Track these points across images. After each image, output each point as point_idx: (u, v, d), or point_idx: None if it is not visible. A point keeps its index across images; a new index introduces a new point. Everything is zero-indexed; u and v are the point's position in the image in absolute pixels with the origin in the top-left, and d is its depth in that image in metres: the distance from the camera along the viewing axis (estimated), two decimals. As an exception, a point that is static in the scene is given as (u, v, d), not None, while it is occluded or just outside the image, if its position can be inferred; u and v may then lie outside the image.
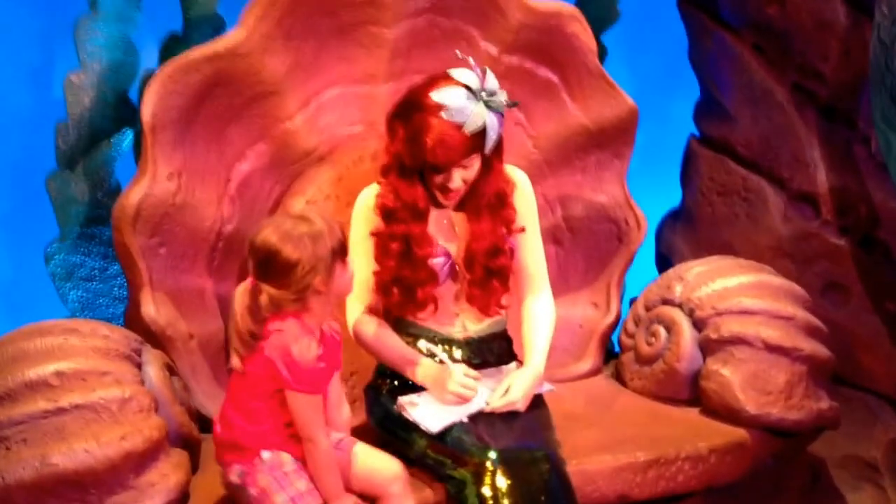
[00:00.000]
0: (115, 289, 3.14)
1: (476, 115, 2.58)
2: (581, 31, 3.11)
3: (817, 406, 3.07)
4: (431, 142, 2.58)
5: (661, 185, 3.70)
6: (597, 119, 3.19)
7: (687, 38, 3.57)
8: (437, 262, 2.73)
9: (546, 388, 2.80)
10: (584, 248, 3.31)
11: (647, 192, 3.48)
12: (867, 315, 3.46)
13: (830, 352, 3.13)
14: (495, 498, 2.49)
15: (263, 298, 2.36)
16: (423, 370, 2.70)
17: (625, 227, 3.28)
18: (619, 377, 3.24)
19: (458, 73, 2.62)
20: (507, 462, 2.53)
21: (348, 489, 2.46)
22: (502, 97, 2.64)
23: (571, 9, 3.10)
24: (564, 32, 3.09)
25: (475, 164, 2.66)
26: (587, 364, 3.27)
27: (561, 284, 3.30)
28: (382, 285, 2.71)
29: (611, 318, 3.30)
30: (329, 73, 2.96)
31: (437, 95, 2.58)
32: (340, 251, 2.39)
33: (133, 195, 2.74)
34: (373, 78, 3.01)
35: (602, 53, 3.48)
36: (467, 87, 2.59)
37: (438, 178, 2.66)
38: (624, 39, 3.63)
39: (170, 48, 3.09)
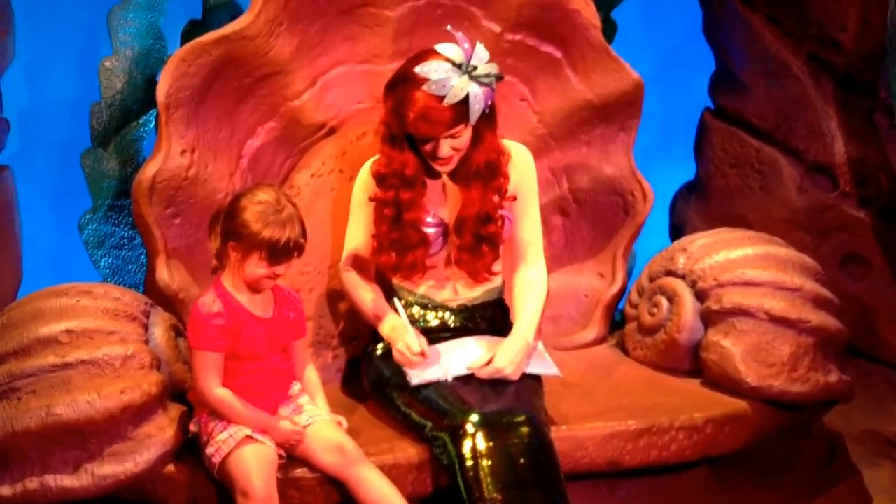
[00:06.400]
0: (142, 256, 3.36)
1: (457, 88, 2.69)
2: (583, 6, 3.15)
3: (825, 379, 3.04)
4: (413, 114, 2.71)
5: (678, 158, 3.71)
6: (601, 93, 3.24)
7: (701, 11, 3.57)
8: (430, 231, 2.84)
9: (548, 370, 2.84)
10: (591, 219, 3.37)
11: (664, 165, 3.51)
12: (887, 288, 3.42)
13: (842, 324, 3.10)
14: (475, 458, 2.58)
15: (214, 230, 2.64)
16: (387, 326, 2.83)
17: (631, 199, 3.32)
18: (623, 347, 3.28)
19: (443, 48, 2.73)
20: (488, 424, 2.61)
21: (318, 467, 2.60)
22: (489, 69, 2.72)
23: (573, -14, 3.15)
24: (566, 9, 3.14)
25: (465, 133, 2.76)
26: (591, 333, 3.33)
27: (567, 255, 3.37)
28: (378, 248, 2.85)
29: (616, 288, 3.35)
30: (335, 52, 3.10)
31: (421, 69, 2.71)
32: (269, 251, 2.55)
33: (148, 169, 2.92)
34: (377, 57, 3.13)
35: (613, 29, 3.51)
36: (451, 61, 2.70)
37: (428, 147, 2.77)
38: (637, 14, 3.66)
39: (190, 34, 3.29)
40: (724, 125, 3.58)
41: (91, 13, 3.41)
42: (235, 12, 3.32)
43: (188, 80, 2.92)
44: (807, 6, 3.33)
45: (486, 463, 2.57)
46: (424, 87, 2.69)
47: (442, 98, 2.68)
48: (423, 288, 2.89)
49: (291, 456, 2.64)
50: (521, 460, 2.57)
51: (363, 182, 2.89)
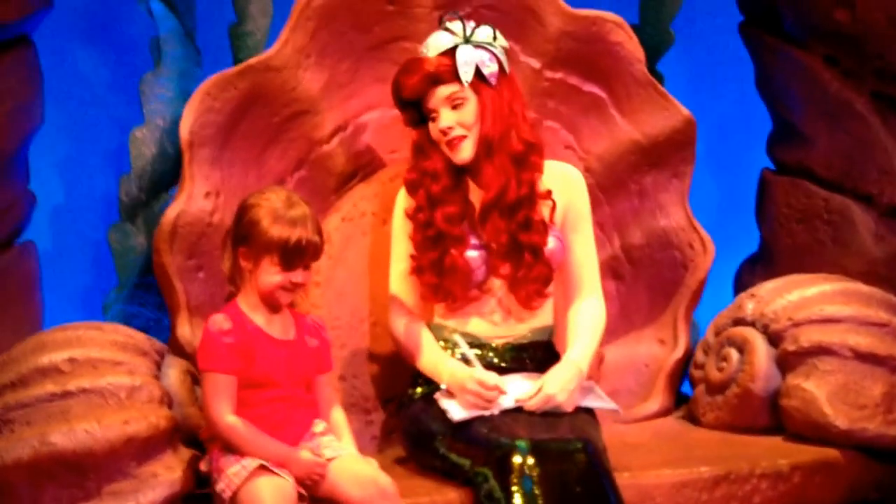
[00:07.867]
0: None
1: (439, 39, 2.59)
2: (625, 39, 3.00)
3: (928, 423, 2.68)
4: (400, 74, 2.61)
5: (736, 228, 3.47)
6: (650, 133, 3.04)
7: (753, 65, 3.42)
8: (471, 254, 2.61)
9: (605, 404, 2.56)
10: (647, 280, 3.09)
11: (721, 237, 3.24)
12: None
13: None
14: (524, 488, 2.26)
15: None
16: (448, 369, 2.55)
17: (689, 251, 3.05)
18: (691, 417, 2.93)
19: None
20: (538, 451, 2.31)
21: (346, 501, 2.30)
22: (485, 31, 2.62)
23: (614, 16, 3.00)
24: (608, 41, 2.99)
25: (467, 104, 2.58)
26: (655, 404, 2.99)
27: (623, 323, 3.08)
28: (418, 268, 2.63)
29: (679, 353, 3.01)
30: (367, 94, 2.96)
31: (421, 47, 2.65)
32: (281, 251, 2.35)
33: (170, 212, 2.73)
34: (412, 99, 2.99)
35: (659, 82, 3.37)
36: (448, 30, 2.62)
37: (434, 127, 2.59)
38: (682, 69, 3.54)
39: (221, 91, 3.19)
40: (786, 179, 3.34)
41: (123, 81, 3.35)
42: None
43: (213, 115, 2.78)
44: (865, 40, 3.12)
45: (536, 492, 2.22)
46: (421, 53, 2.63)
47: (426, 54, 2.61)
48: (467, 324, 2.63)
49: (315, 497, 2.30)
50: (578, 489, 2.25)
51: (401, 202, 2.71)
